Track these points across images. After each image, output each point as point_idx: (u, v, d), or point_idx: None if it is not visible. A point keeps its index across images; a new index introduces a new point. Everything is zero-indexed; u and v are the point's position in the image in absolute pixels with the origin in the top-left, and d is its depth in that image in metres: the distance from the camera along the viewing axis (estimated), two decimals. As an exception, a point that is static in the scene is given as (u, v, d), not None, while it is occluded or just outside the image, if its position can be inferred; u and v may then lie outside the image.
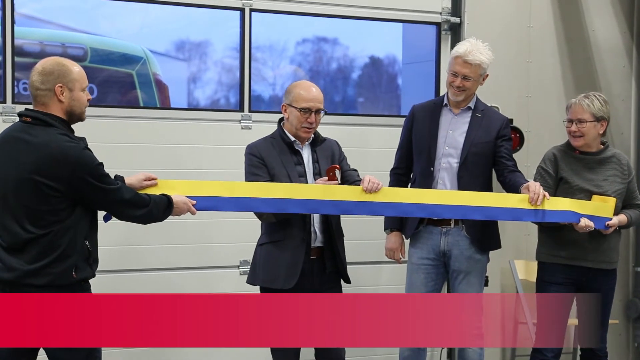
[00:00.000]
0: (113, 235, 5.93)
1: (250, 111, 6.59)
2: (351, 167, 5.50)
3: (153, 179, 4.85)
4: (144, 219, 4.66)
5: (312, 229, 5.27)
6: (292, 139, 5.30)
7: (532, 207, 5.38)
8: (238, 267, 6.58)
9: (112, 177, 4.63)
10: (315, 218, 5.28)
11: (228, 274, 6.57)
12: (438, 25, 7.15)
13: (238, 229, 6.48)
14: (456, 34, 7.13)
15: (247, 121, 6.56)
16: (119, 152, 6.15)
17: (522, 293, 7.08)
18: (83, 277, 4.43)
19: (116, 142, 6.18)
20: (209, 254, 6.50)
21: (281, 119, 5.41)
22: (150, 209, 4.60)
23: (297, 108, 5.25)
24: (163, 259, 6.41)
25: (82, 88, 4.47)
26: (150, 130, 6.33)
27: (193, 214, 4.90)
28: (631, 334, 7.88)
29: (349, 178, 5.37)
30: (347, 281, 5.46)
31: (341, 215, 5.34)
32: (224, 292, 6.41)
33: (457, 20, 7.12)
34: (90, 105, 4.58)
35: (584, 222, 5.48)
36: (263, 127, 6.54)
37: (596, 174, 5.73)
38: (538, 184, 5.46)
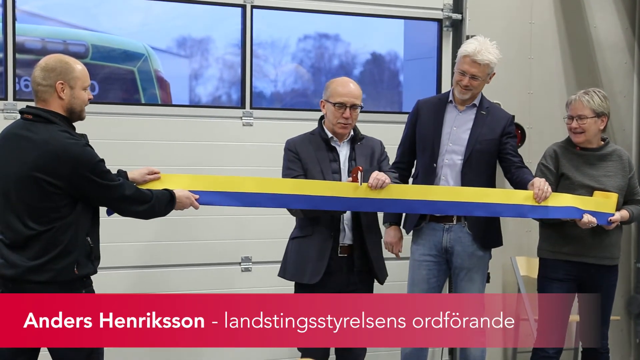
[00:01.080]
0: (113, 233, 5.94)
1: (251, 108, 6.58)
2: (390, 169, 5.51)
3: (156, 173, 4.86)
4: (146, 215, 4.66)
5: (341, 226, 5.28)
6: (330, 135, 5.33)
7: (536, 204, 5.39)
8: (239, 263, 6.59)
9: (115, 171, 4.65)
10: (346, 215, 5.30)
11: (229, 271, 6.58)
12: (440, 21, 7.15)
13: (240, 226, 6.49)
14: (458, 30, 7.12)
15: (249, 118, 6.55)
16: (120, 149, 6.14)
17: (523, 290, 7.08)
18: (85, 273, 4.44)
19: (117, 139, 6.18)
20: (210, 250, 6.50)
21: (322, 117, 5.43)
22: (152, 204, 4.60)
23: (332, 103, 5.29)
24: (163, 256, 6.42)
25: (84, 87, 4.47)
26: (151, 127, 6.33)
27: (196, 208, 4.90)
28: (632, 330, 7.88)
29: None
30: (380, 281, 5.47)
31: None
32: (225, 289, 6.42)
33: (458, 16, 7.11)
34: (91, 102, 4.57)
35: (586, 217, 5.49)
36: (265, 124, 6.56)
37: (597, 169, 5.73)
38: (543, 180, 5.45)
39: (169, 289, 6.37)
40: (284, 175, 5.34)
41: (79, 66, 4.47)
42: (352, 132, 5.39)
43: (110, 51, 6.90)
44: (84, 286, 4.46)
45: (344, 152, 5.38)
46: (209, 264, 6.49)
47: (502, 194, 5.50)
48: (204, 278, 6.47)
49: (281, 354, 6.56)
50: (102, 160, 4.42)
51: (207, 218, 6.39)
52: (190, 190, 4.86)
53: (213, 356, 6.45)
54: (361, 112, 6.85)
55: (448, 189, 5.52)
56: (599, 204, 5.60)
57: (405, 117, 6.06)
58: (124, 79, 6.89)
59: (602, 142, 5.82)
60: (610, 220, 5.61)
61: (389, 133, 6.56)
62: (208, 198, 4.98)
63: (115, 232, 5.93)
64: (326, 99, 5.35)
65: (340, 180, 5.28)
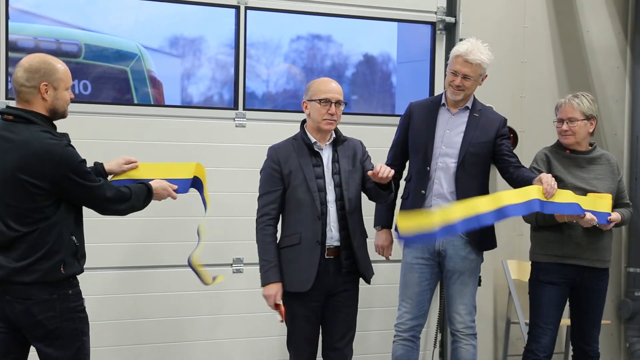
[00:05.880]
0: (100, 232, 5.93)
1: (244, 109, 6.57)
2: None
3: (133, 162, 4.84)
4: (127, 212, 4.64)
5: (327, 227, 5.27)
6: (313, 140, 5.31)
7: (544, 199, 5.39)
8: (231, 265, 6.57)
9: (92, 163, 4.67)
10: (332, 216, 5.28)
11: (220, 272, 6.48)
12: (433, 24, 7.14)
13: (231, 227, 6.48)
14: (451, 33, 7.11)
15: (242, 119, 6.54)
16: (112, 149, 6.07)
17: (514, 293, 7.09)
18: (71, 272, 4.43)
19: (109, 139, 6.16)
20: (202, 251, 6.46)
21: (304, 121, 5.41)
22: (132, 202, 4.59)
23: (317, 100, 5.26)
24: (153, 256, 6.39)
25: (67, 87, 4.46)
26: (144, 128, 6.31)
27: (174, 198, 4.87)
28: (623, 335, 7.89)
29: (369, 178, 5.38)
30: (366, 280, 5.44)
31: None
32: (216, 290, 6.39)
33: (452, 19, 7.10)
34: (84, 102, 4.55)
35: (589, 215, 5.51)
36: (257, 125, 6.55)
37: (587, 172, 5.78)
38: (550, 175, 5.48)
39: (158, 290, 6.36)
40: (261, 194, 5.32)
41: (62, 67, 4.45)
42: (334, 134, 5.38)
43: (103, 50, 6.89)
44: (71, 286, 4.44)
45: (326, 154, 5.35)
46: (200, 265, 6.46)
47: (514, 195, 5.47)
48: (195, 279, 6.43)
49: (272, 354, 6.57)
50: (84, 161, 4.40)
51: (198, 218, 6.37)
52: (169, 180, 4.84)
53: (203, 356, 6.45)
54: (354, 114, 6.88)
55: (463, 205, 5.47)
56: (596, 204, 5.62)
57: (397, 120, 6.06)
58: (116, 79, 6.87)
59: (590, 147, 5.87)
60: (610, 219, 5.63)
61: (381, 135, 6.57)
62: (186, 186, 4.96)
63: (103, 231, 5.93)
64: (309, 98, 5.32)
65: (324, 183, 5.26)
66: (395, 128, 6.00)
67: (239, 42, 6.55)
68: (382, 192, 5.28)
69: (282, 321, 5.26)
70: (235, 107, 6.55)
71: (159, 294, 6.38)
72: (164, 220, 6.23)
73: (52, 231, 4.34)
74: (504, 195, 5.44)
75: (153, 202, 4.73)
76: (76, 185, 4.35)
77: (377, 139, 6.44)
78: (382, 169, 5.13)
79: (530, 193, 5.43)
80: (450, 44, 6.88)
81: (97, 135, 6.07)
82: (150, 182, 4.75)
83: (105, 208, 4.55)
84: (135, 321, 6.35)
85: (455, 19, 7.10)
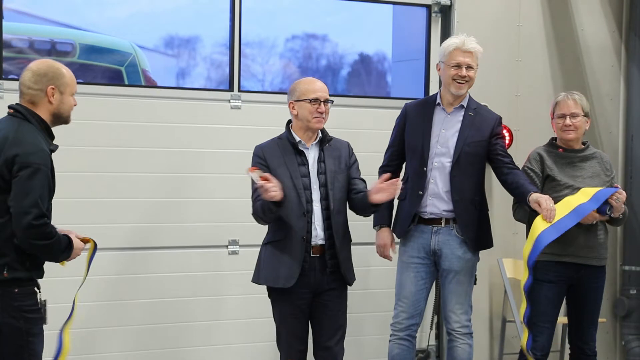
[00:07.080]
0: (98, 214, 5.90)
1: (239, 91, 6.55)
2: (360, 176, 5.48)
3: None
4: (43, 252, 4.40)
5: (312, 226, 5.26)
6: (298, 139, 5.31)
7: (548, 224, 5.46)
8: (227, 246, 6.53)
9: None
10: (317, 215, 5.26)
11: (216, 254, 6.54)
12: (428, 7, 7.14)
13: (227, 209, 6.47)
14: (446, 16, 7.14)
15: (237, 101, 6.52)
16: (107, 131, 6.15)
17: (510, 292, 7.06)
18: (15, 277, 4.29)
19: (101, 120, 6.15)
20: (197, 233, 6.47)
21: (289, 121, 5.41)
22: (52, 243, 4.34)
23: (307, 100, 5.26)
24: (150, 238, 6.37)
25: (72, 93, 4.49)
26: (139, 110, 6.29)
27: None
28: (618, 333, 7.85)
29: (355, 187, 5.38)
30: (348, 283, 5.40)
31: None
32: (212, 271, 6.37)
33: (447, 2, 7.12)
34: (78, 83, 4.50)
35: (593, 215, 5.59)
36: (252, 107, 6.54)
37: (581, 170, 5.78)
38: (546, 197, 5.48)
39: (155, 271, 6.33)
40: (254, 189, 5.27)
41: (68, 72, 4.49)
42: (320, 134, 5.38)
43: (97, 50, 6.89)
44: (18, 286, 4.31)
45: (312, 154, 5.35)
46: (196, 246, 6.44)
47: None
48: (191, 261, 6.43)
49: (263, 354, 6.52)
50: (49, 175, 4.29)
51: (194, 201, 6.38)
52: None
53: (199, 338, 6.42)
54: (349, 96, 6.88)
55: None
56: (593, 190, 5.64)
57: (391, 103, 6.03)
58: (111, 78, 6.87)
59: (583, 145, 5.89)
60: (616, 185, 5.66)
61: (377, 118, 6.57)
62: None
63: (102, 213, 5.89)
64: (297, 98, 5.30)
65: (309, 182, 5.27)
66: (391, 111, 5.99)
67: (234, 32, 6.54)
68: (370, 208, 5.32)
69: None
70: (231, 89, 6.53)
71: (156, 275, 6.35)
72: (163, 202, 6.23)
73: (2, 232, 4.26)
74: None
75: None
76: (20, 174, 4.21)
77: (373, 121, 6.44)
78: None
79: (537, 226, 5.47)
80: (445, 32, 6.91)
81: (91, 117, 6.04)
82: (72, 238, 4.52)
83: (23, 232, 4.27)
84: (134, 302, 6.33)
85: (451, 2, 7.10)
